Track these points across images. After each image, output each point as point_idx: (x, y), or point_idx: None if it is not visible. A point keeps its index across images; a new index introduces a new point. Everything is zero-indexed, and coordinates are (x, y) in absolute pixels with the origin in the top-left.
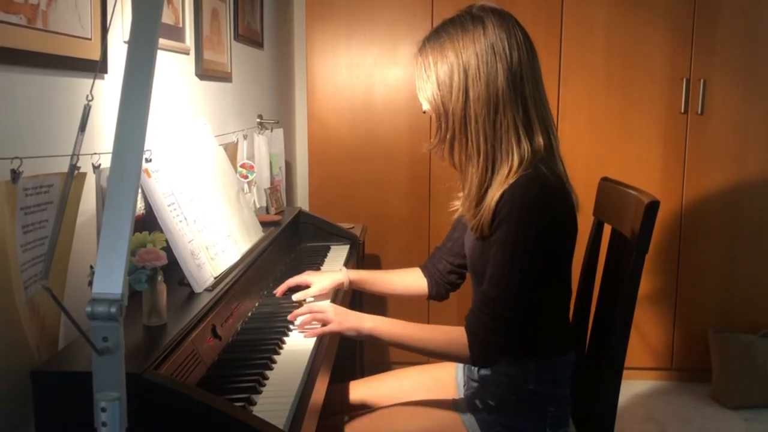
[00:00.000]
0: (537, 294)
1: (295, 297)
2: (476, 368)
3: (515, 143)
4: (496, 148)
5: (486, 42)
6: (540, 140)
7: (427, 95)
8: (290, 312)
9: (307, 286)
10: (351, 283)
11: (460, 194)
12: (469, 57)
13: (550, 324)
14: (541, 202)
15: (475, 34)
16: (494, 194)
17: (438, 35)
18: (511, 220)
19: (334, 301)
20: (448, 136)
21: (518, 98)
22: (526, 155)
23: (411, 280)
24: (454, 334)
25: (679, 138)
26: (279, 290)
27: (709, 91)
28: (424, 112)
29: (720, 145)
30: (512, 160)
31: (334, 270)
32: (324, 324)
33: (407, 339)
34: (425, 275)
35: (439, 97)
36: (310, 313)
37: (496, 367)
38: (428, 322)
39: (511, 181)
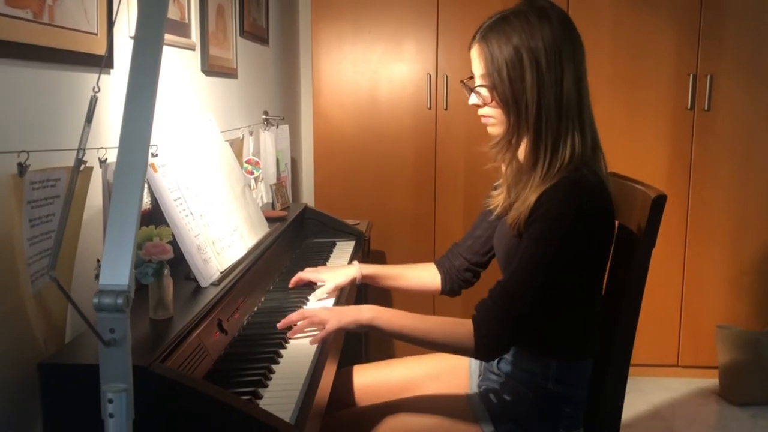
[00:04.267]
0: (557, 296)
1: (313, 297)
2: (496, 361)
3: (570, 143)
4: (558, 147)
5: (553, 39)
6: (589, 141)
7: (496, 88)
8: (297, 308)
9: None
10: (364, 277)
11: (494, 192)
12: (539, 52)
13: (571, 326)
14: (578, 207)
15: (542, 29)
16: (535, 191)
17: (501, 27)
18: (546, 221)
19: (339, 298)
20: (518, 132)
21: (580, 99)
22: (576, 154)
23: (424, 275)
24: (459, 325)
25: (686, 134)
26: (292, 281)
27: (716, 87)
28: (473, 104)
29: (727, 142)
30: (564, 158)
31: (344, 265)
32: (322, 326)
33: (409, 329)
34: (440, 270)
35: (510, 91)
36: (303, 318)
37: (516, 362)
38: None
39: (553, 180)
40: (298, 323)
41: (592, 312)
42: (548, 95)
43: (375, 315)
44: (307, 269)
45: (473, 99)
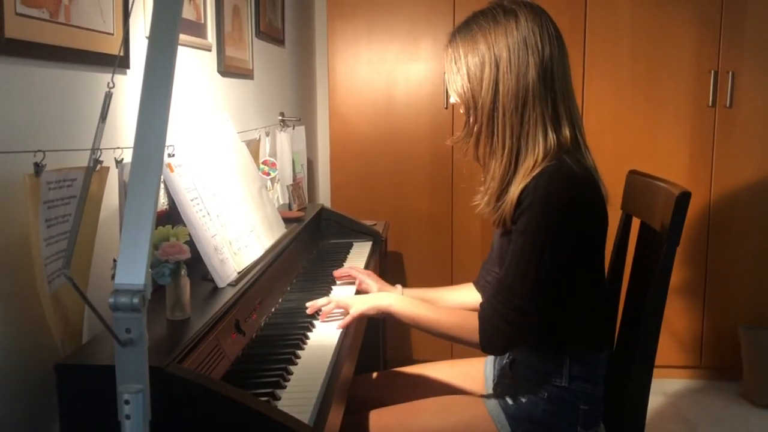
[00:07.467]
0: (556, 286)
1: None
2: (508, 363)
3: (542, 137)
4: (521, 142)
5: (518, 35)
6: (567, 133)
7: (456, 87)
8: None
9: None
10: None
11: (482, 188)
12: (501, 49)
13: (578, 322)
14: (564, 193)
15: (507, 26)
16: (517, 187)
17: (469, 27)
18: (532, 210)
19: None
20: (475, 130)
21: (548, 92)
22: (551, 148)
23: (467, 296)
24: (466, 318)
25: (707, 132)
26: (339, 273)
27: (738, 84)
28: (454, 104)
29: (749, 139)
30: (537, 153)
31: (391, 285)
32: (346, 312)
33: (421, 318)
34: (478, 290)
35: (469, 90)
36: (329, 303)
37: (529, 362)
38: None
39: (534, 173)
40: (325, 307)
41: (599, 306)
42: (506, 92)
43: (392, 302)
44: (357, 267)
45: (452, 99)
